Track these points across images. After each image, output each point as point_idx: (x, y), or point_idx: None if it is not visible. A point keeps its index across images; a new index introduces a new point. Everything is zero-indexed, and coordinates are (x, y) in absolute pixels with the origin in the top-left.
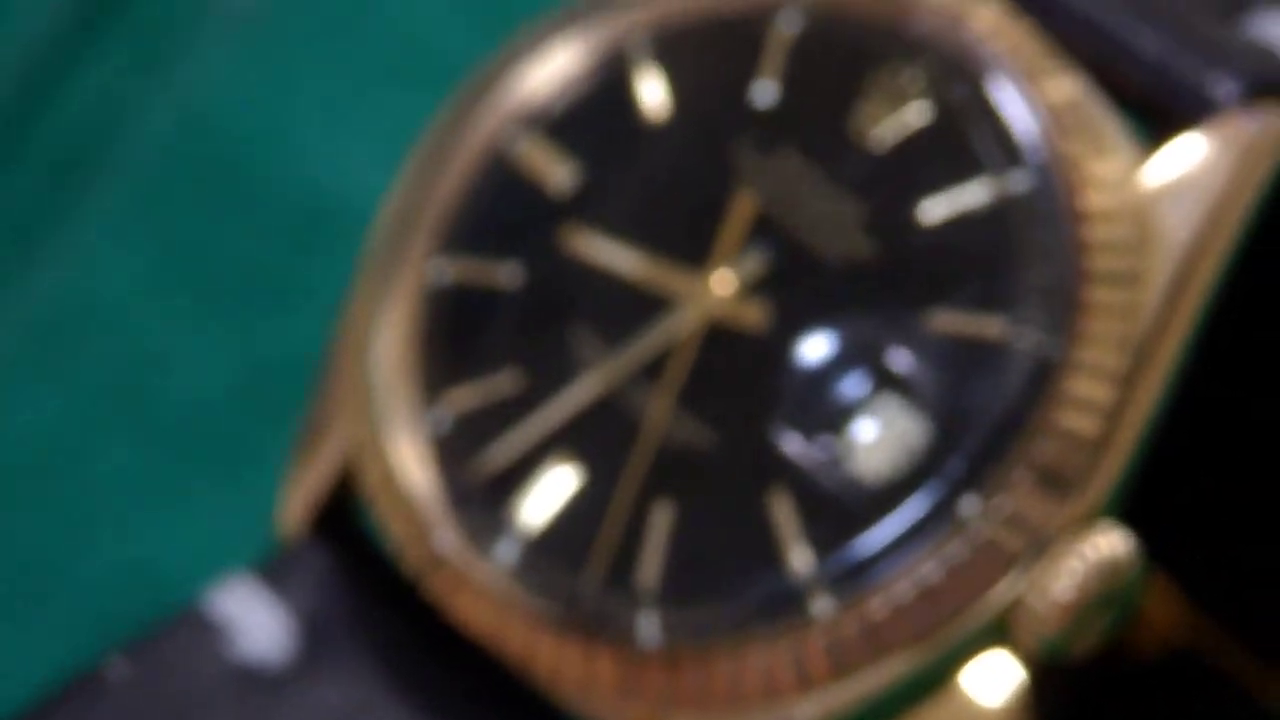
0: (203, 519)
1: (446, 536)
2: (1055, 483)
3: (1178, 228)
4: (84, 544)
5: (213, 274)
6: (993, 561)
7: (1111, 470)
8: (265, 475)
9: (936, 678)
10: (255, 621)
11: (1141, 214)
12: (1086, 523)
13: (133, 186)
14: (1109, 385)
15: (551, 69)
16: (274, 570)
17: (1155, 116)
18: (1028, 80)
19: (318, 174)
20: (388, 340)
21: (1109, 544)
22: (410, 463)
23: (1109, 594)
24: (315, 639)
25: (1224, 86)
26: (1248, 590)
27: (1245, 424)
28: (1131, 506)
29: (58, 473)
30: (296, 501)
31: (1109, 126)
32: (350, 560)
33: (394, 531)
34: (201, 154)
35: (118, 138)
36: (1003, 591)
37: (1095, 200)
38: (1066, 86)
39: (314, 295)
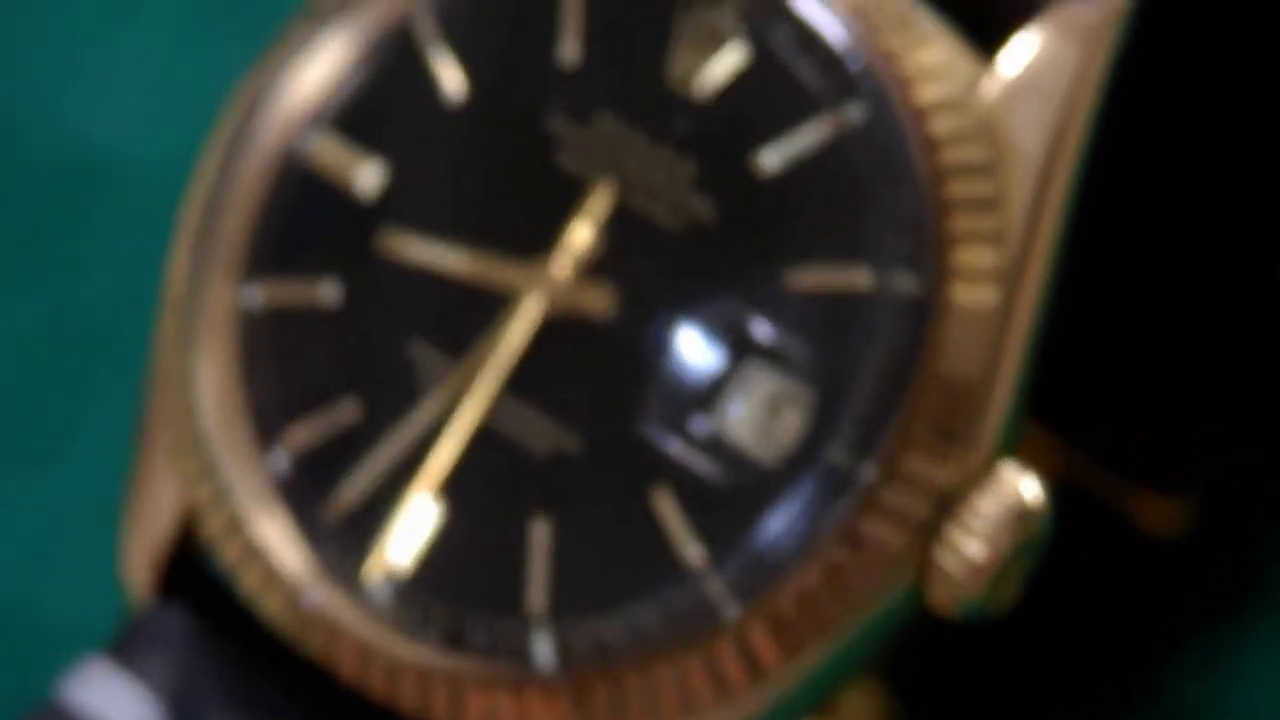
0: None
1: (314, 594)
2: (949, 433)
3: (1030, 135)
4: None
5: None
6: (899, 529)
7: (1002, 407)
8: (70, 455)
9: (861, 659)
10: (118, 710)
11: (992, 129)
12: (988, 470)
13: None
14: (986, 321)
15: (327, 62)
16: (126, 647)
17: (985, 17)
18: None
19: (79, 126)
20: (208, 378)
21: (1014, 492)
22: (260, 516)
23: (1023, 544)
24: (184, 713)
25: None
26: (1114, 421)
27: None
28: None
29: None
30: (138, 562)
31: (922, 18)
32: (205, 616)
33: (265, 604)
34: None
35: None
36: (913, 559)
37: (943, 123)
38: None
39: (89, 258)
